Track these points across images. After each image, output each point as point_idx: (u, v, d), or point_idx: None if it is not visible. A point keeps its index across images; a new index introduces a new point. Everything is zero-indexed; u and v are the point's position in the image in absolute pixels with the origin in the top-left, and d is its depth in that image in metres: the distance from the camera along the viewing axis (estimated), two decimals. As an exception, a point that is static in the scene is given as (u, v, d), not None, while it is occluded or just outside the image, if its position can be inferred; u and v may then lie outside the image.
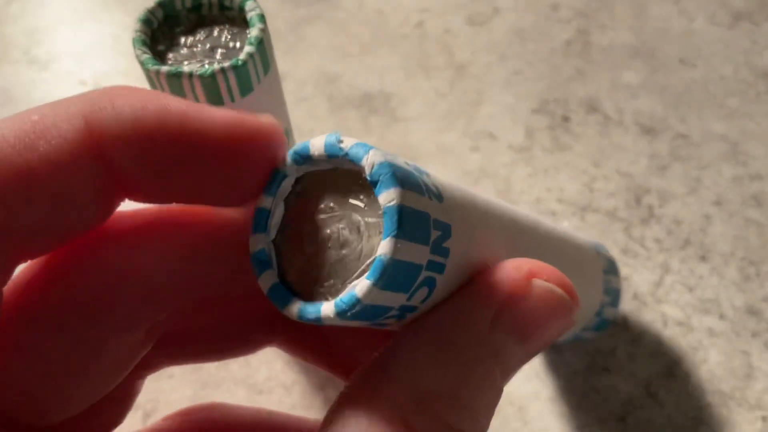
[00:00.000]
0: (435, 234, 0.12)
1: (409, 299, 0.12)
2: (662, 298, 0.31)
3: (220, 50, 0.22)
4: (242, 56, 0.21)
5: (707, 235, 0.33)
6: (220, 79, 0.20)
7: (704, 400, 0.28)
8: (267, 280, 0.12)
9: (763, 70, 0.39)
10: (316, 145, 0.12)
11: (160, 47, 0.22)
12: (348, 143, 0.12)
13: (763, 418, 0.28)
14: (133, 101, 0.12)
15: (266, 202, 0.13)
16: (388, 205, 0.11)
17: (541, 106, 0.38)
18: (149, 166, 0.12)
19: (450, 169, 0.36)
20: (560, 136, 0.37)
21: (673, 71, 0.39)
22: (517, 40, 0.41)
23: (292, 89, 0.40)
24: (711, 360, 0.29)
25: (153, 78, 0.21)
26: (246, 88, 0.21)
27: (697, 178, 0.35)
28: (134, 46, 0.21)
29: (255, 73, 0.21)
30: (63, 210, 0.12)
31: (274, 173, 0.13)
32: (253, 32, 0.21)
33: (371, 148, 0.12)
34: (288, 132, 0.24)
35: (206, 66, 0.21)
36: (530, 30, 0.42)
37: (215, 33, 0.22)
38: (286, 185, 0.13)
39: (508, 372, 0.13)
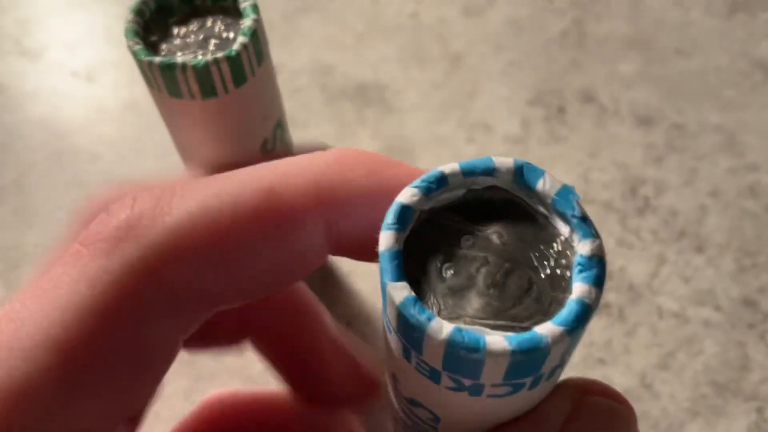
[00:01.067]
0: None
1: (558, 366, 0.11)
2: (658, 289, 0.31)
3: (213, 41, 0.22)
4: (236, 47, 0.20)
5: (703, 227, 0.33)
6: (213, 70, 0.20)
7: (700, 391, 0.28)
8: (402, 287, 0.10)
9: (759, 61, 0.39)
10: (507, 163, 0.11)
11: (153, 38, 0.22)
12: (555, 183, 0.11)
13: (759, 409, 0.28)
14: (363, 168, 0.12)
15: (412, 199, 0.11)
16: (592, 253, 0.10)
17: (537, 97, 0.38)
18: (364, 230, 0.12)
19: (445, 161, 0.35)
20: (556, 127, 0.37)
21: (669, 62, 0.39)
22: (512, 30, 0.41)
23: (285, 80, 0.39)
24: (707, 351, 0.29)
25: (145, 69, 0.21)
26: (240, 79, 0.21)
27: (693, 169, 0.35)
28: (126, 37, 0.21)
29: (249, 64, 0.21)
30: (283, 269, 0.12)
31: (436, 176, 0.11)
32: (247, 23, 0.21)
33: (543, 171, 0.11)
34: (282, 123, 0.24)
35: (199, 57, 0.21)
36: (525, 20, 0.41)
37: (208, 23, 0.22)
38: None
39: None
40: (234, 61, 0.20)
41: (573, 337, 0.10)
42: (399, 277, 0.10)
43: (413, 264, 0.11)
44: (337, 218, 0.12)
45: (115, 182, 0.16)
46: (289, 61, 0.40)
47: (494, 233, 0.11)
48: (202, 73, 0.20)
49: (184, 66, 0.20)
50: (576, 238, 0.11)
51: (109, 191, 0.15)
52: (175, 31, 0.22)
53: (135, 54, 0.21)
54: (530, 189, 0.11)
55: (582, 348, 0.30)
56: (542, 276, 0.11)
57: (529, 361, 0.10)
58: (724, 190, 0.34)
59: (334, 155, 0.12)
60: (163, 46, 0.22)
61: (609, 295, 0.31)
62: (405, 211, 0.11)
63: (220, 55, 0.20)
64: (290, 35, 0.42)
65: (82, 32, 0.43)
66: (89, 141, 0.38)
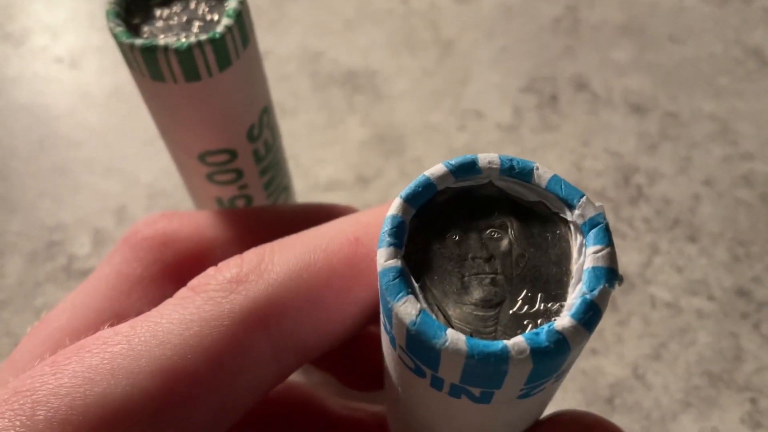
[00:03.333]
0: None
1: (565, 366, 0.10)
2: (651, 279, 0.31)
3: (197, 23, 0.21)
4: (220, 29, 0.20)
5: (696, 216, 0.32)
6: (196, 52, 0.20)
7: (692, 382, 0.28)
8: (411, 306, 0.10)
9: (753, 48, 0.38)
10: (490, 158, 0.11)
11: (136, 20, 0.21)
12: (546, 172, 0.11)
13: (752, 400, 0.28)
14: None
15: (402, 210, 0.10)
16: (600, 257, 0.10)
17: (529, 85, 0.37)
18: None
19: (436, 148, 0.35)
20: (548, 115, 0.36)
21: (662, 49, 0.38)
22: (504, 16, 0.40)
23: (273, 67, 0.39)
24: (700, 341, 0.29)
25: (127, 52, 0.20)
26: (224, 62, 0.20)
27: (687, 157, 0.34)
28: (108, 19, 0.20)
29: (233, 47, 0.20)
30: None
31: (422, 183, 0.11)
32: (231, 4, 0.20)
33: (581, 192, 0.11)
34: (268, 109, 0.23)
35: (182, 39, 0.20)
36: (518, 6, 0.41)
37: (192, 5, 0.21)
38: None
39: None
40: (218, 43, 0.20)
41: (591, 332, 0.09)
42: (404, 293, 0.10)
43: (413, 272, 0.10)
44: None
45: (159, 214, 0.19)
46: (277, 47, 0.40)
47: (494, 229, 0.11)
48: (185, 55, 0.19)
49: (166, 48, 0.19)
50: (584, 237, 0.10)
51: (153, 219, 0.17)
52: (158, 13, 0.21)
53: (116, 36, 0.20)
54: (524, 181, 0.11)
55: (574, 338, 0.29)
56: (550, 265, 0.10)
57: (555, 359, 0.09)
58: (717, 179, 0.34)
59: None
60: (145, 29, 0.21)
61: (601, 285, 0.30)
62: (399, 225, 0.10)
63: (203, 37, 0.20)
64: (278, 21, 0.41)
65: (66, 17, 0.42)
66: (73, 127, 0.37)
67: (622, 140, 0.35)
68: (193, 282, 0.12)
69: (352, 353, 0.18)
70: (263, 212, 0.21)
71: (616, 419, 0.27)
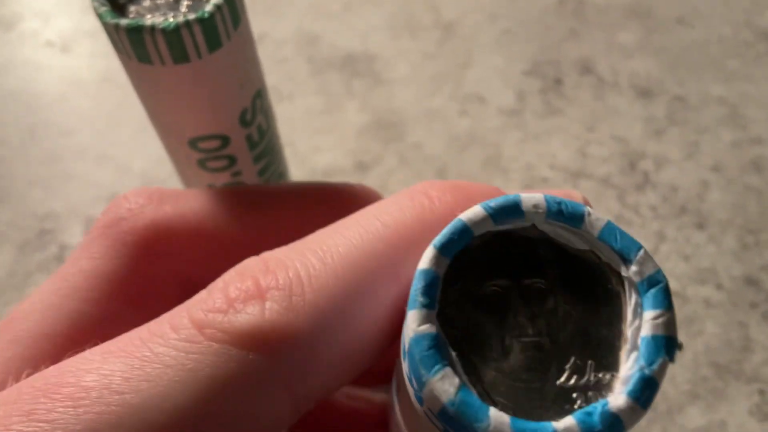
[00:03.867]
0: None
1: None
2: (657, 267, 0.30)
3: (185, 2, 0.20)
4: (209, 8, 0.19)
5: (704, 202, 0.32)
6: (185, 33, 0.19)
7: (700, 373, 0.27)
8: (449, 383, 0.08)
9: (763, 31, 0.37)
10: (536, 201, 0.09)
11: (122, 0, 0.20)
12: (599, 219, 0.09)
13: (761, 391, 0.27)
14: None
15: (436, 263, 0.09)
16: (659, 325, 0.09)
17: (533, 68, 0.36)
18: None
19: (437, 134, 0.34)
20: (552, 100, 0.35)
21: (670, 31, 0.37)
22: (507, -2, 0.39)
23: (269, 50, 0.38)
24: (707, 332, 0.28)
25: (112, 33, 0.19)
26: (214, 44, 0.19)
27: (695, 142, 0.33)
28: (91, -2, 0.19)
29: (223, 27, 0.19)
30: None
31: (458, 229, 0.09)
32: (221, -18, 0.19)
33: (639, 245, 0.09)
34: (262, 93, 0.23)
35: (170, 19, 0.19)
36: (521, -12, 0.40)
37: (181, -16, 0.20)
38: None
39: None
40: (207, 23, 0.19)
41: (647, 409, 0.08)
42: (440, 366, 0.08)
43: (448, 335, 0.09)
44: None
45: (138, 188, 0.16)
46: (273, 30, 0.39)
47: (537, 280, 0.10)
48: (173, 36, 0.19)
49: (152, 28, 0.18)
50: (640, 299, 0.09)
51: (132, 194, 0.15)
52: (145, -8, 0.20)
53: (100, 16, 0.19)
54: (574, 227, 0.09)
55: (578, 329, 0.28)
56: (600, 326, 0.09)
57: None
58: (726, 165, 0.33)
59: (411, 196, 0.11)
60: (132, 8, 0.20)
61: (607, 274, 0.30)
62: (432, 282, 0.09)
63: (192, 16, 0.19)
64: (274, 3, 0.40)
65: (57, 0, 0.41)
66: (64, 114, 0.36)
67: (628, 125, 0.34)
68: (198, 315, 0.10)
69: None
70: (264, 191, 0.19)
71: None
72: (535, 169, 0.33)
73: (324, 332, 0.10)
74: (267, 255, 0.11)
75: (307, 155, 0.34)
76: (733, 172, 0.32)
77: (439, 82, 0.36)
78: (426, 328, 0.09)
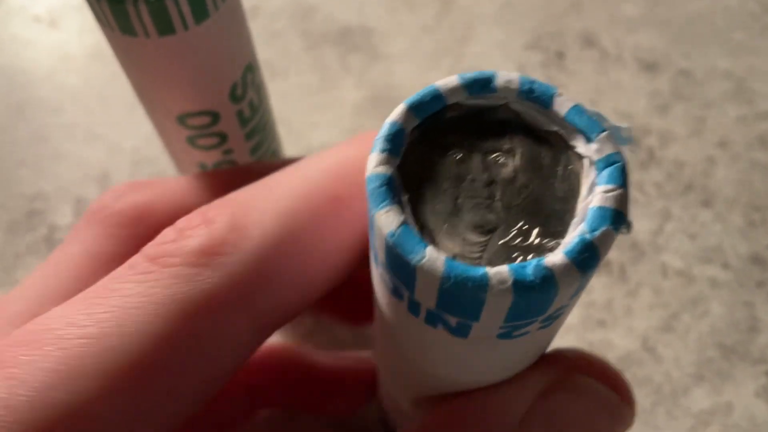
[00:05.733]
0: None
1: (561, 312, 0.10)
2: (662, 246, 0.29)
3: (170, -29, 0.19)
4: (195, -24, 0.18)
5: (710, 179, 0.31)
6: (169, 3, 0.18)
7: (705, 354, 0.27)
8: (393, 217, 0.09)
9: (771, 2, 0.36)
10: (510, 77, 0.10)
11: (105, -30, 0.19)
12: (568, 100, 0.10)
13: None
14: None
15: (404, 118, 0.10)
16: (609, 198, 0.09)
17: (534, 42, 0.35)
18: None
19: (436, 110, 0.33)
20: (554, 74, 0.34)
21: (675, 3, 0.36)
22: (508, -31, 0.38)
23: (262, 24, 0.37)
24: (713, 312, 0.28)
25: (93, 3, 0.18)
26: (200, 14, 0.18)
27: (701, 117, 0.32)
28: (70, -34, 0.18)
29: (211, -3, 0.18)
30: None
31: (431, 93, 0.10)
32: (208, -52, 0.18)
33: (603, 127, 0.09)
34: (253, 67, 0.22)
35: (154, -12, 0.18)
36: (522, -41, 0.38)
37: (166, -49, 0.19)
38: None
39: None
40: (193, -8, 0.18)
41: (585, 276, 0.09)
42: (388, 202, 0.09)
43: (405, 184, 0.09)
44: None
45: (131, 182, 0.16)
46: (266, 2, 0.37)
47: (500, 153, 0.10)
48: (157, 6, 0.18)
49: (135, -1, 0.17)
50: (595, 167, 0.09)
51: (115, 186, 0.15)
52: (129, -40, 0.19)
53: (81, -14, 0.18)
54: (543, 107, 0.10)
55: (580, 309, 0.28)
56: (555, 200, 0.09)
57: (544, 293, 0.08)
58: (733, 141, 0.32)
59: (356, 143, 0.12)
60: (115, -22, 0.19)
61: (611, 253, 0.29)
62: (397, 132, 0.09)
63: (177, -15, 0.18)
64: (269, -24, 0.39)
65: (44, -27, 0.40)
66: (52, 92, 0.35)
67: (632, 100, 0.33)
68: (151, 250, 0.11)
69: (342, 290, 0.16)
70: (248, 171, 0.19)
71: (626, 394, 0.26)
72: (537, 146, 0.32)
73: (274, 248, 0.10)
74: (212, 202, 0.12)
75: (302, 132, 0.33)
76: (740, 148, 0.32)
77: (438, 57, 0.35)
78: (382, 168, 0.09)
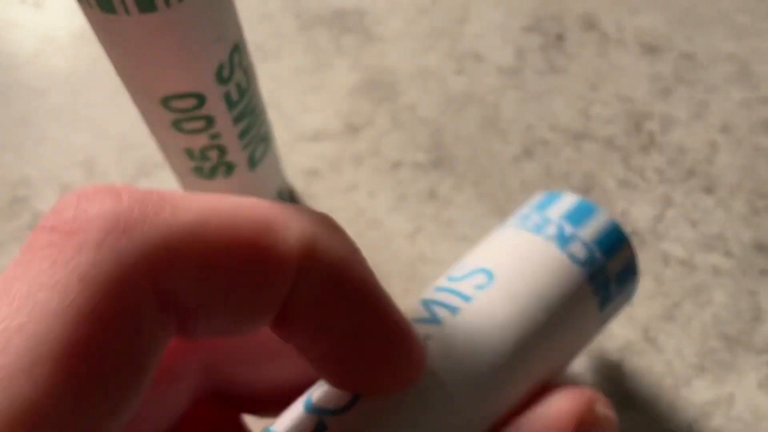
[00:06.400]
0: None
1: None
2: (663, 234, 0.28)
3: (152, -56, 0.18)
4: (177, -51, 0.17)
5: (713, 165, 0.30)
6: (150, -22, 0.17)
7: (707, 345, 0.26)
8: None
9: (776, -18, 0.35)
10: None
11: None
12: None
13: (771, 363, 0.26)
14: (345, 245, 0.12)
15: None
16: None
17: (533, 24, 0.34)
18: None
19: (432, 94, 0.32)
20: (554, 57, 0.33)
21: (678, -16, 0.35)
22: (506, -51, 0.37)
23: (254, 5, 0.35)
24: (715, 301, 0.27)
25: (70, -22, 0.17)
26: (183, -10, 0.17)
27: (703, 102, 0.32)
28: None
29: (194, -28, 0.17)
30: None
31: None
32: None
33: None
34: (240, 47, 0.21)
35: (134, -38, 0.17)
36: (521, -62, 0.37)
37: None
38: None
39: None
40: (175, -33, 0.17)
41: None
42: None
43: None
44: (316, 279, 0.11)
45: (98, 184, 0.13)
46: (259, -17, 0.36)
47: None
48: (136, -19, 0.17)
49: (113, -28, 0.16)
50: None
51: (89, 188, 0.13)
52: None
53: (56, -41, 0.17)
54: None
55: (580, 299, 0.27)
56: None
57: None
58: (736, 125, 0.31)
59: (322, 219, 0.11)
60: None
61: (610, 241, 0.28)
62: None
63: (157, -41, 0.17)
64: (260, -45, 0.37)
65: (28, -48, 0.39)
66: (37, 74, 0.34)
67: (633, 84, 0.32)
68: (57, 219, 0.10)
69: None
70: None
71: (626, 385, 0.25)
72: (536, 131, 0.31)
73: (186, 230, 0.10)
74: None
75: (294, 117, 0.32)
76: (743, 132, 0.31)
77: (434, 39, 0.34)
78: None
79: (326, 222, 0.11)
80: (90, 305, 0.09)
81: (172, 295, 0.10)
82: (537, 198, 0.15)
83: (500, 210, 0.29)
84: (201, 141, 0.22)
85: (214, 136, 0.22)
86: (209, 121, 0.21)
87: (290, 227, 0.11)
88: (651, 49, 0.33)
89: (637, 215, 0.29)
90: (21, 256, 0.09)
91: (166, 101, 0.20)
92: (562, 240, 0.12)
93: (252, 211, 0.10)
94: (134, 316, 0.09)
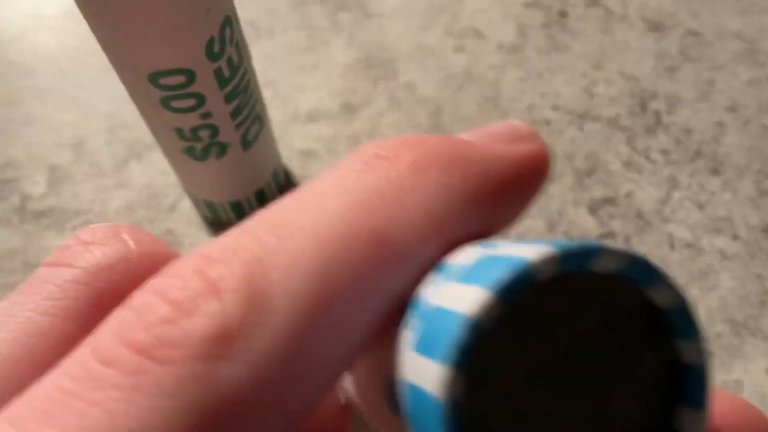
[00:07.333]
0: None
1: None
2: (669, 216, 0.28)
3: None
4: None
5: (720, 146, 0.29)
6: (134, -55, 0.16)
7: (714, 329, 0.25)
8: None
9: (785, -43, 0.34)
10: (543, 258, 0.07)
11: None
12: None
13: (779, 349, 0.25)
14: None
15: (488, 311, 0.07)
16: (697, 365, 0.07)
17: (535, 0, 0.33)
18: None
19: (430, 73, 0.31)
20: (556, 34, 0.32)
21: (684, -42, 0.34)
22: None
23: (248, -20, 0.34)
24: (722, 285, 0.26)
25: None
26: (170, -41, 0.16)
27: (710, 80, 0.31)
28: None
29: (181, -61, 0.16)
30: None
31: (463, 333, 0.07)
32: None
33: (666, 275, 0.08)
34: (231, 21, 0.20)
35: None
36: None
37: None
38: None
39: None
40: (161, -67, 0.16)
41: None
42: None
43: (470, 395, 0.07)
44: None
45: (102, 226, 0.11)
46: (252, -42, 0.35)
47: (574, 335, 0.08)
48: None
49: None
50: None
51: (96, 230, 0.11)
52: None
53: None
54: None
55: (583, 283, 0.26)
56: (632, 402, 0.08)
57: None
58: (743, 105, 0.30)
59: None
60: None
61: (614, 224, 0.27)
62: (471, 333, 0.07)
63: (142, -75, 0.16)
64: (253, -71, 0.36)
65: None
66: (23, 53, 0.33)
67: (638, 62, 0.31)
68: (137, 335, 0.07)
69: None
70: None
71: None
72: (537, 111, 0.30)
73: (307, 323, 0.07)
74: (206, 247, 0.08)
75: (289, 96, 0.31)
76: (751, 112, 0.30)
77: (433, 15, 0.33)
78: (448, 393, 0.07)
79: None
80: None
81: (300, 410, 0.08)
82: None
83: (501, 192, 0.28)
84: (191, 120, 0.21)
85: (205, 115, 0.21)
86: (200, 99, 0.20)
87: (401, 229, 0.09)
88: (656, 26, 0.32)
89: (642, 197, 0.28)
90: (96, 373, 0.07)
91: (153, 78, 0.19)
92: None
93: (356, 227, 0.09)
94: None
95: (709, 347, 0.25)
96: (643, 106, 0.30)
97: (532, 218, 0.27)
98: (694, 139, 0.29)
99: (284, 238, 0.08)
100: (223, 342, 0.07)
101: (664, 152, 0.29)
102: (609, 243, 0.08)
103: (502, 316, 0.07)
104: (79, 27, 0.34)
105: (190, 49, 0.18)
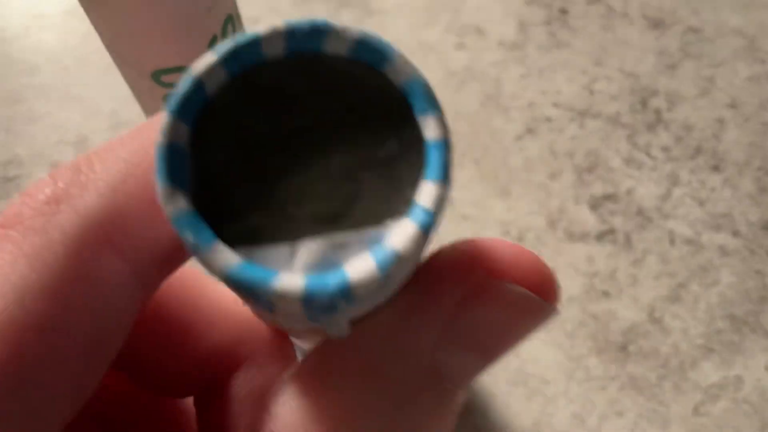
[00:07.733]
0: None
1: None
2: (669, 213, 0.28)
3: None
4: None
5: (720, 142, 0.29)
6: (137, -57, 0.16)
7: (714, 326, 0.26)
8: (176, 200, 0.08)
9: (786, -46, 0.34)
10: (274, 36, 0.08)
11: None
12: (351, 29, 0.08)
13: (779, 345, 0.25)
14: None
15: (171, 132, 0.08)
16: (435, 139, 0.08)
17: (536, -3, 0.33)
18: None
19: (432, 69, 0.31)
20: (557, 31, 0.32)
21: (685, -44, 0.34)
22: None
23: (250, -22, 0.34)
24: (723, 281, 0.26)
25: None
26: (173, -43, 0.16)
27: (710, 77, 0.31)
28: None
29: (184, -63, 0.16)
30: None
31: (189, 87, 0.08)
32: None
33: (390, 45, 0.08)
34: (234, 19, 0.20)
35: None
36: None
37: None
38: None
39: (459, 391, 0.10)
40: (164, -69, 0.16)
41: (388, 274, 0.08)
42: (176, 184, 0.08)
43: (203, 161, 0.08)
44: None
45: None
46: (254, -44, 0.35)
47: (309, 114, 0.08)
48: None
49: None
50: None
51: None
52: None
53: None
54: (374, 68, 0.08)
55: (583, 279, 0.26)
56: (379, 178, 0.08)
57: (323, 306, 0.08)
58: (744, 102, 0.30)
59: None
60: None
61: (615, 220, 0.27)
62: (195, 88, 0.07)
63: (145, -77, 0.16)
64: (254, -73, 0.36)
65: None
66: (26, 51, 0.33)
67: (639, 59, 0.31)
68: (3, 217, 0.10)
69: None
70: None
71: (630, 368, 0.25)
72: (538, 108, 0.30)
73: (124, 182, 0.10)
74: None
75: (291, 94, 0.31)
76: (752, 109, 0.30)
77: (434, 13, 0.33)
78: (170, 137, 0.08)
79: None
80: (43, 285, 0.09)
81: (140, 249, 0.10)
82: None
83: (502, 190, 0.28)
84: (194, 117, 0.21)
85: (208, 113, 0.21)
86: (202, 96, 0.20)
87: None
88: (657, 23, 0.32)
89: (642, 194, 0.28)
90: None
91: (156, 75, 0.19)
92: None
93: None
94: (94, 286, 0.10)
95: (711, 343, 0.25)
96: (644, 103, 0.30)
97: (533, 215, 0.28)
98: (694, 135, 0.29)
99: (111, 144, 0.10)
100: (54, 203, 0.09)
101: (665, 149, 0.29)
102: (339, 24, 0.08)
103: (235, 86, 0.08)
104: (82, 25, 0.34)
105: (192, 47, 0.19)
